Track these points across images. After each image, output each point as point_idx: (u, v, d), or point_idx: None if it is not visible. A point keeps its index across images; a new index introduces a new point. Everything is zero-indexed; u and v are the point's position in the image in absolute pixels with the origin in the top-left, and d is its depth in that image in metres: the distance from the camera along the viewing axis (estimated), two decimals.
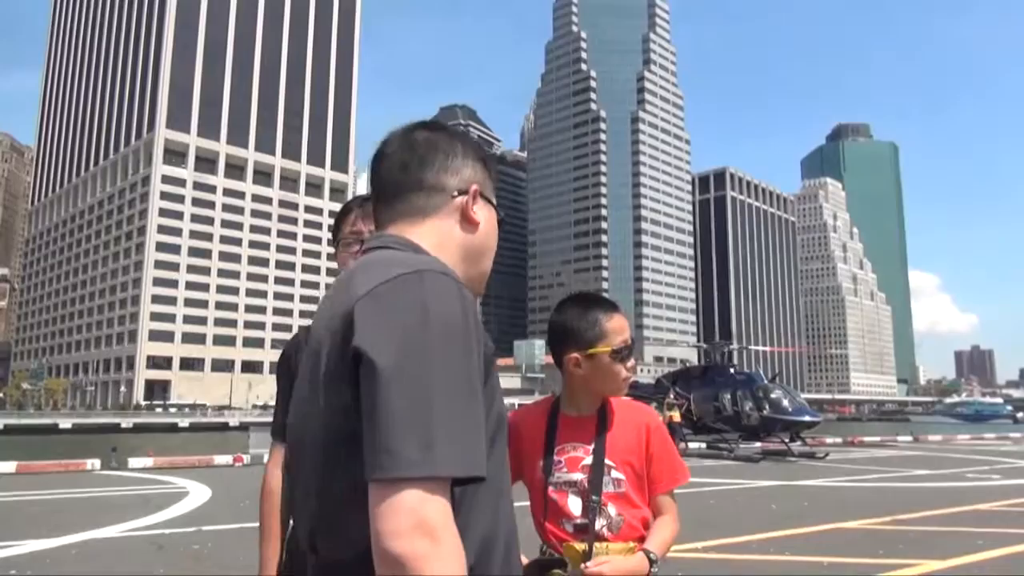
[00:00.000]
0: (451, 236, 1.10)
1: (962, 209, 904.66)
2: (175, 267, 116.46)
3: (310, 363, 1.01)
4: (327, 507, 0.94)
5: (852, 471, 16.20)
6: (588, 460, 1.74)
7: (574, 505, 1.74)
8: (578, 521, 1.71)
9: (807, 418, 21.50)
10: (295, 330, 1.95)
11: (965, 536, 7.83)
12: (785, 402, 21.45)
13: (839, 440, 28.00)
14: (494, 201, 1.19)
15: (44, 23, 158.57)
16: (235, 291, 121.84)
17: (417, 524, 0.80)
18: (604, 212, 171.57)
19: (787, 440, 21.15)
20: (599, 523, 1.70)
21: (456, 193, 1.12)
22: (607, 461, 1.75)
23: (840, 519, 8.93)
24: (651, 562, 1.69)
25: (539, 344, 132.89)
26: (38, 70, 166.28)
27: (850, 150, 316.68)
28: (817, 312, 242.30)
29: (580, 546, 1.69)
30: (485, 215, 1.15)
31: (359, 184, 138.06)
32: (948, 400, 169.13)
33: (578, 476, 1.74)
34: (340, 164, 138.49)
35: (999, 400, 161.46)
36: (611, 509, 1.72)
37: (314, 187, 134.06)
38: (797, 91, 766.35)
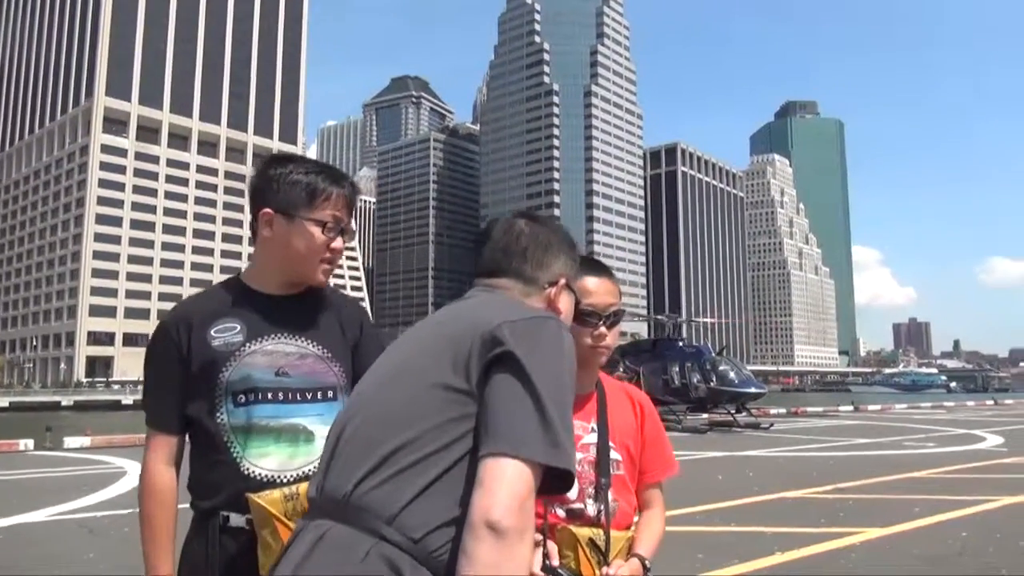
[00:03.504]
0: None
1: (904, 186, 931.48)
2: (116, 240, 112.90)
3: (411, 357, 1.17)
4: (389, 469, 1.05)
5: (796, 441, 16.57)
6: (588, 439, 1.64)
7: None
8: (573, 506, 1.59)
9: (753, 390, 21.92)
10: None
11: (903, 504, 8.02)
12: (732, 374, 21.82)
13: (783, 411, 28.71)
14: (575, 287, 1.38)
15: None
16: (180, 265, 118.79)
17: (523, 505, 0.95)
18: (556, 186, 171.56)
19: (733, 411, 21.55)
20: (597, 508, 1.59)
21: (547, 285, 1.29)
22: (609, 442, 1.67)
23: (784, 488, 9.09)
24: (645, 570, 1.60)
25: None
26: None
27: (798, 127, 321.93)
28: (764, 286, 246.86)
29: (585, 532, 1.54)
30: (567, 302, 1.33)
31: (308, 157, 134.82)
32: (887, 371, 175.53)
33: (578, 456, 1.57)
34: (289, 135, 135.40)
35: (934, 371, 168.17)
36: (608, 494, 1.63)
37: (262, 158, 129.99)
38: (748, 67, 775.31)
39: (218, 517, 1.52)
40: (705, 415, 22.77)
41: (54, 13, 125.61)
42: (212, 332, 1.58)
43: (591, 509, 1.58)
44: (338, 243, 1.64)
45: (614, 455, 1.64)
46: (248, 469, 1.53)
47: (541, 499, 1.17)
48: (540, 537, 1.51)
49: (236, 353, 1.57)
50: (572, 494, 1.59)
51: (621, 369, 22.93)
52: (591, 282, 1.65)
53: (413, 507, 1.01)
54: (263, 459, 1.54)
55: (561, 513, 1.60)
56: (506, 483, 0.95)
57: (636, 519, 1.69)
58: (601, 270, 1.70)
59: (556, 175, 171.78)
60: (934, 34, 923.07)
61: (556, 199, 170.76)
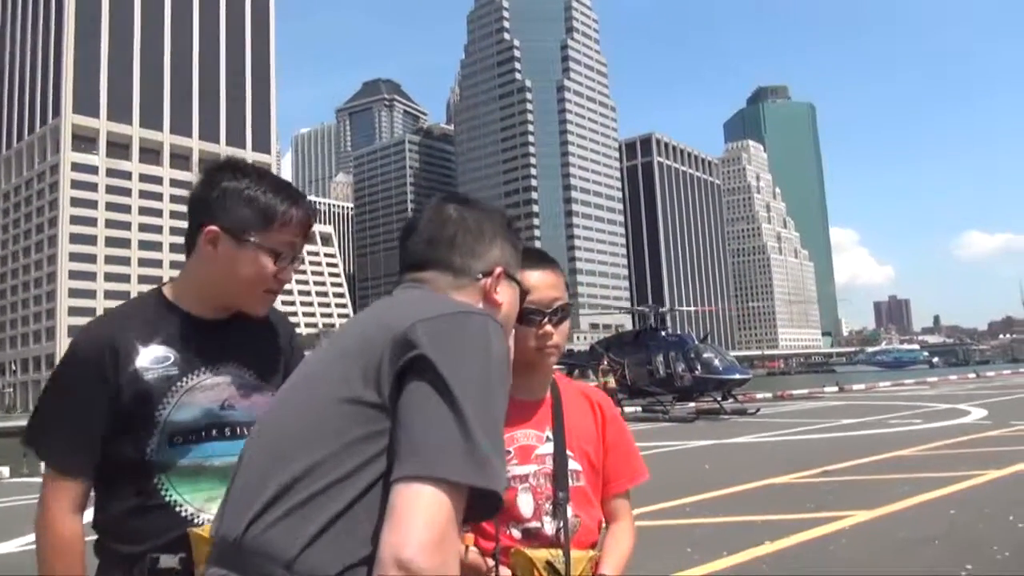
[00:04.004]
0: None
1: (877, 165, 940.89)
2: (92, 259, 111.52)
3: (321, 368, 1.05)
4: (286, 503, 0.92)
5: (782, 425, 16.57)
6: (543, 449, 1.48)
7: (524, 504, 1.45)
8: (529, 524, 1.43)
9: (737, 376, 21.96)
10: None
11: (890, 484, 7.98)
12: (716, 362, 21.83)
13: (769, 395, 28.78)
14: (517, 276, 1.23)
15: None
16: (158, 280, 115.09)
17: (443, 538, 0.82)
18: (534, 183, 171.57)
19: (719, 398, 21.55)
20: (555, 526, 1.43)
21: (480, 276, 1.15)
22: (567, 451, 1.50)
23: (771, 475, 9.03)
24: None
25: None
26: None
27: (770, 112, 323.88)
28: (745, 271, 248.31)
29: (542, 555, 1.37)
30: (508, 294, 1.19)
31: (283, 165, 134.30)
32: (869, 349, 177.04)
33: (531, 468, 1.47)
34: (262, 145, 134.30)
35: (916, 347, 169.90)
36: (568, 508, 1.45)
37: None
38: (719, 55, 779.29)
39: (146, 560, 1.34)
40: (692, 404, 22.78)
41: (16, 31, 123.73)
42: (144, 362, 1.39)
43: (549, 527, 1.43)
44: (288, 273, 1.46)
45: (573, 465, 1.49)
46: (189, 513, 1.37)
47: (473, 523, 1.07)
48: (492, 563, 1.37)
49: (173, 388, 1.40)
50: (527, 511, 1.44)
51: (606, 362, 22.92)
52: (532, 276, 1.46)
53: (316, 547, 0.88)
54: (209, 502, 1.36)
55: (516, 534, 1.44)
56: (420, 513, 0.81)
57: (603, 534, 1.54)
58: (542, 261, 1.53)
59: (533, 171, 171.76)
60: (899, 14, 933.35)
61: (534, 195, 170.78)
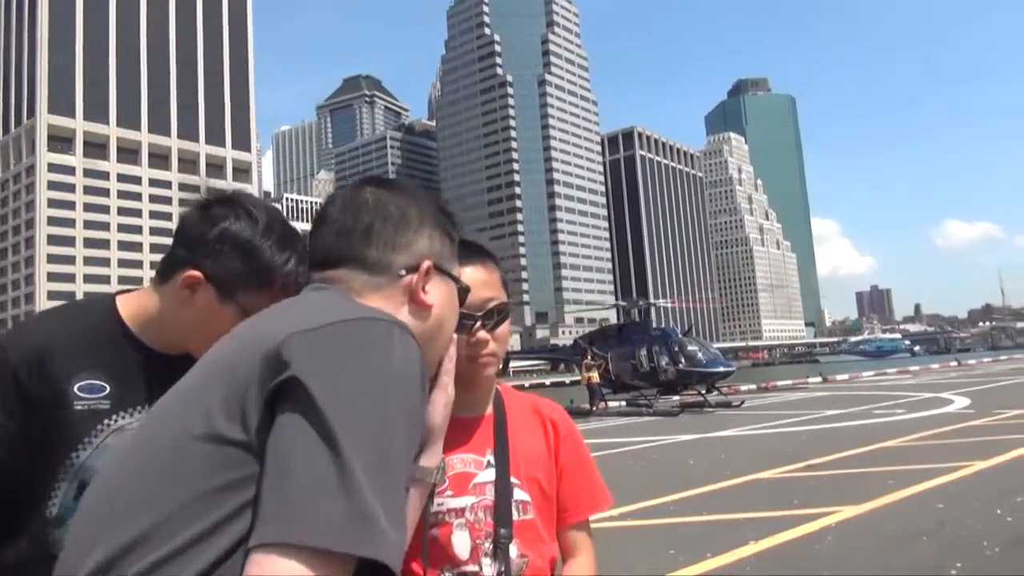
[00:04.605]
0: None
1: (857, 157, 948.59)
2: (71, 260, 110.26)
3: (177, 397, 0.84)
4: (138, 551, 0.70)
5: (767, 417, 16.49)
6: (483, 477, 1.26)
7: (460, 544, 1.22)
8: (465, 568, 1.21)
9: (721, 368, 21.89)
10: None
11: (876, 477, 7.86)
12: (700, 355, 21.75)
13: (753, 387, 28.78)
14: (453, 271, 1.05)
15: None
16: (139, 281, 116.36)
17: None
18: (517, 178, 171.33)
19: (703, 391, 21.47)
20: (496, 569, 1.21)
21: (404, 272, 0.97)
22: (511, 478, 1.27)
23: (756, 470, 8.89)
24: None
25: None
26: None
27: (750, 104, 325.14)
28: (728, 263, 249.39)
29: None
30: (440, 293, 1.00)
31: (264, 163, 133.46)
32: (852, 339, 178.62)
33: (468, 501, 1.23)
34: (242, 143, 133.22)
35: (898, 336, 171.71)
36: (512, 548, 1.23)
37: (216, 167, 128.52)
38: (699, 47, 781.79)
39: None
40: (676, 397, 22.70)
41: None
42: (76, 388, 1.19)
43: (489, 571, 1.21)
44: None
45: (520, 495, 1.27)
46: None
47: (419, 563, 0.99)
48: None
49: (100, 427, 1.20)
50: (463, 553, 1.21)
51: (589, 357, 22.78)
52: (470, 272, 1.24)
53: None
54: None
55: None
56: None
57: (558, 571, 1.34)
58: (475, 255, 1.28)
59: (516, 166, 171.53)
60: (877, 2, 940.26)
61: (517, 190, 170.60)
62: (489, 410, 1.33)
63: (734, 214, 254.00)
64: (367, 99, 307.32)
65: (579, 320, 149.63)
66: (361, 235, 0.97)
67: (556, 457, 1.35)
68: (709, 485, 8.10)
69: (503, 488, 1.25)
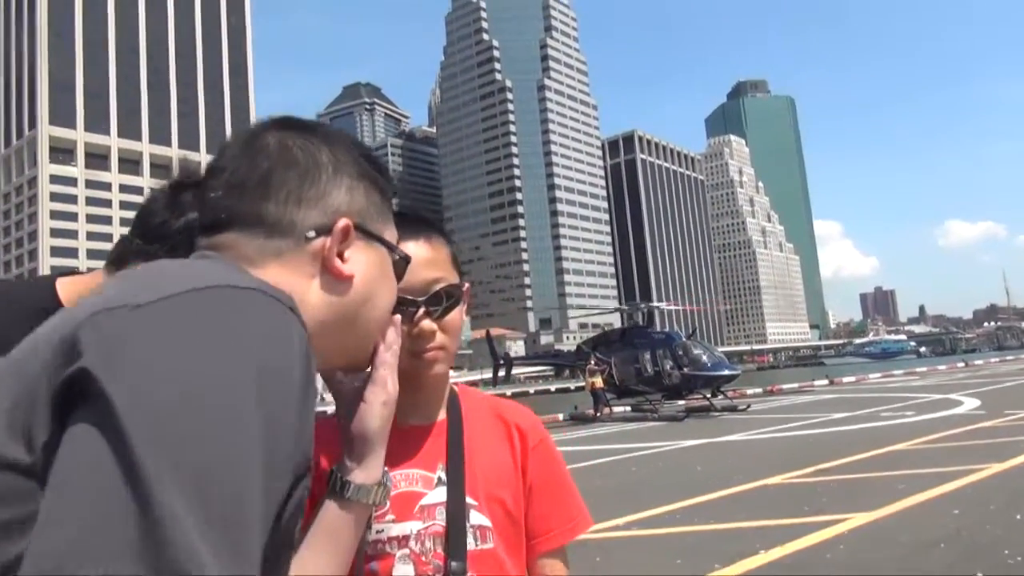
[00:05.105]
0: (302, 296, 0.71)
1: (858, 158, 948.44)
2: (74, 272, 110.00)
3: None
4: None
5: (773, 421, 16.27)
6: (433, 496, 1.05)
7: None
8: None
9: (726, 372, 21.65)
10: None
11: (886, 482, 7.66)
12: (704, 358, 21.52)
13: (759, 390, 28.53)
14: (385, 235, 0.82)
15: None
16: None
17: None
18: (518, 183, 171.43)
19: (709, 395, 21.25)
20: None
21: (313, 233, 0.73)
22: (467, 499, 1.06)
23: (764, 475, 8.68)
24: None
25: (464, 320, 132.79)
26: None
27: (750, 106, 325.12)
28: (731, 267, 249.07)
29: None
30: (366, 261, 0.78)
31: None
32: (857, 341, 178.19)
33: (414, 526, 1.03)
34: None
35: (903, 337, 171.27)
36: None
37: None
38: (697, 50, 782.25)
39: None
40: (681, 402, 22.45)
41: None
42: None
43: None
44: None
45: (477, 519, 1.05)
46: None
47: None
48: None
49: None
50: None
51: (593, 362, 22.57)
52: (411, 247, 1.01)
53: None
54: None
55: None
56: None
57: None
58: (415, 227, 1.06)
59: (516, 172, 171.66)
60: (873, 2, 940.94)
61: (519, 196, 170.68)
62: (441, 416, 1.11)
63: (736, 217, 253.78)
64: (367, 106, 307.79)
65: (583, 326, 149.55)
66: (257, 187, 0.74)
67: (524, 471, 1.12)
68: (716, 492, 7.89)
69: (456, 511, 1.03)
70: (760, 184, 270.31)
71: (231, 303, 0.56)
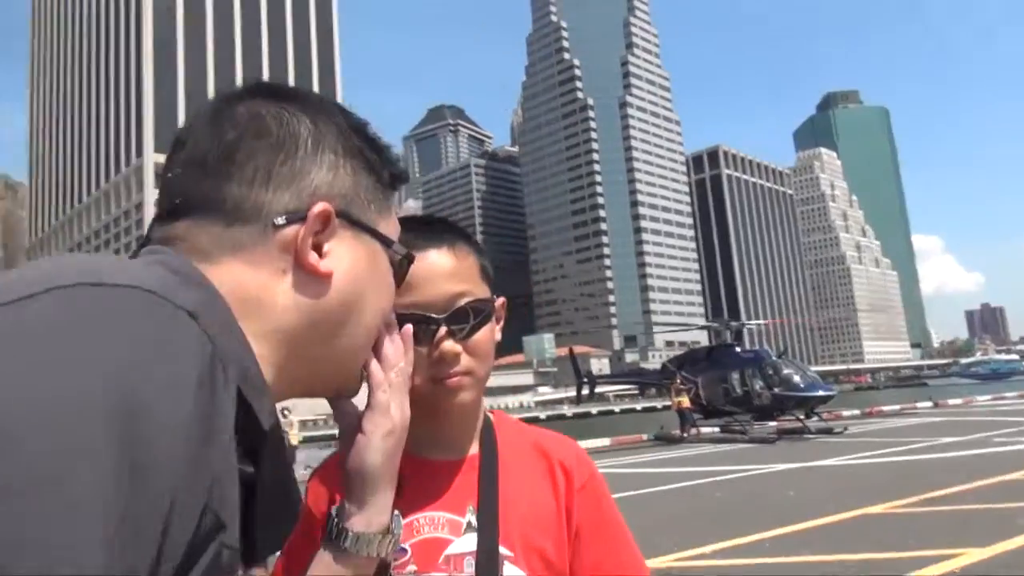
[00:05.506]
0: (266, 298, 0.57)
1: (959, 168, 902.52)
2: None
3: None
4: None
5: (873, 445, 15.40)
6: (460, 545, 0.91)
7: None
8: None
9: (821, 392, 20.72)
10: None
11: (1002, 514, 7.03)
12: (796, 378, 20.65)
13: (857, 412, 27.21)
14: (380, 226, 0.65)
15: (25, 56, 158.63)
16: None
17: None
18: (601, 200, 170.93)
19: (802, 417, 20.37)
20: None
21: (282, 219, 0.58)
22: (501, 548, 0.91)
23: (865, 503, 8.13)
24: None
25: (548, 337, 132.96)
26: (23, 104, 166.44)
27: (841, 118, 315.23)
28: (824, 283, 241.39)
29: None
30: (350, 256, 0.62)
31: None
32: (964, 361, 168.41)
33: None
34: None
35: (1015, 357, 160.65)
36: None
37: None
38: (784, 63, 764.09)
39: None
40: (772, 423, 21.60)
41: (99, 79, 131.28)
42: None
43: None
44: None
45: (512, 571, 0.91)
46: None
47: None
48: None
49: None
50: None
51: (678, 381, 22.00)
52: (423, 264, 0.90)
53: None
54: None
55: None
56: None
57: None
58: (436, 234, 0.94)
59: (599, 189, 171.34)
60: (968, 3, 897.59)
61: (601, 213, 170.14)
62: (473, 449, 0.98)
63: (828, 232, 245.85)
64: (451, 128, 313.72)
65: (669, 343, 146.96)
66: (219, 163, 0.58)
67: (568, 515, 0.97)
68: (811, 520, 7.43)
69: (488, 562, 0.90)
70: (853, 198, 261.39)
71: (93, 307, 0.41)
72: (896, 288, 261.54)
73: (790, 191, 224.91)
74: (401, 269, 0.68)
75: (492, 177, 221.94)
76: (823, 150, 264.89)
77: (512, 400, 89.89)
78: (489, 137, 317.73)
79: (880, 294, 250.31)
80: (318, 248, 0.58)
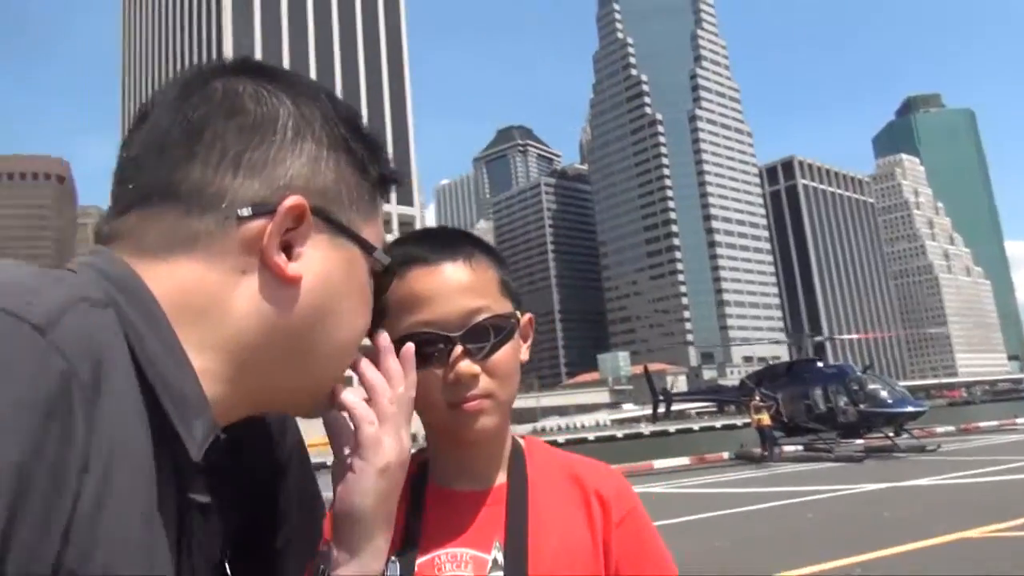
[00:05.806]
0: (220, 302, 0.49)
1: None
2: None
3: None
4: None
5: (970, 464, 14.61)
6: None
7: None
8: None
9: (910, 408, 19.80)
10: None
11: None
12: (883, 393, 19.81)
13: (951, 429, 25.93)
14: (364, 230, 0.59)
15: (116, 91, 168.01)
16: None
17: None
18: (672, 215, 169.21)
19: (891, 434, 19.53)
20: None
21: (248, 211, 0.50)
22: None
23: (962, 526, 7.69)
24: None
25: (623, 355, 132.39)
26: (115, 138, 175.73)
27: (922, 122, 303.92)
28: (910, 294, 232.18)
29: None
30: (323, 260, 0.54)
31: (427, 216, 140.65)
32: None
33: None
34: (405, 199, 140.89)
35: None
36: None
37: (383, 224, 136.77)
38: (859, 68, 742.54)
39: None
40: (859, 441, 20.75)
41: None
42: None
43: None
44: None
45: None
46: None
47: None
48: None
49: None
50: None
51: (758, 397, 21.41)
52: (418, 276, 0.81)
53: None
54: None
55: None
56: None
57: None
58: (450, 246, 0.85)
59: (671, 204, 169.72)
60: None
61: (674, 228, 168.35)
62: (500, 479, 0.88)
63: (913, 240, 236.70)
64: (520, 148, 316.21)
65: (748, 359, 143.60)
66: (181, 143, 0.51)
67: (607, 552, 0.86)
68: (904, 544, 7.06)
69: None
70: (939, 205, 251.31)
71: None
72: (990, 297, 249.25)
73: (871, 199, 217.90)
74: (383, 281, 0.61)
75: (562, 196, 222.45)
76: (904, 156, 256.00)
77: (587, 419, 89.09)
78: (558, 156, 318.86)
79: (973, 304, 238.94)
80: (287, 248, 0.51)
